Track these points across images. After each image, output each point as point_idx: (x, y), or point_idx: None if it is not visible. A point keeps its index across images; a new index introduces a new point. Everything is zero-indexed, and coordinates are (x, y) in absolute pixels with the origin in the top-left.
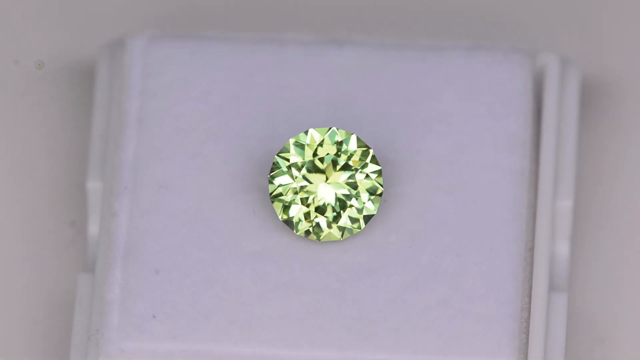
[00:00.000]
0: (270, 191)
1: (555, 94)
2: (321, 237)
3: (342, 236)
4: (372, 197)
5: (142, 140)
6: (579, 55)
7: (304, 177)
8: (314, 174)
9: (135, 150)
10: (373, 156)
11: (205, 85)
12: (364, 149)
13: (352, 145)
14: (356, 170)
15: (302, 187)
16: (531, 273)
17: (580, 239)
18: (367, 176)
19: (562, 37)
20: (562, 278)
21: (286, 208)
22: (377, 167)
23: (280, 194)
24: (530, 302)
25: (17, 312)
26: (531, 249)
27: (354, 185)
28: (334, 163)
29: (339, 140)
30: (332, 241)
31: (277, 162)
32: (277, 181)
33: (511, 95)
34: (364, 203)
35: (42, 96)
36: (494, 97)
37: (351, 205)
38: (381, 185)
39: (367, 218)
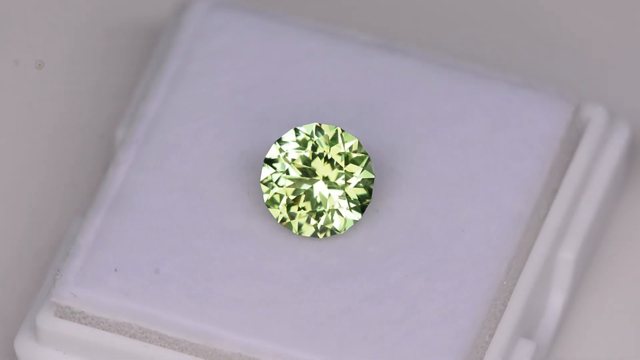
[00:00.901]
0: (262, 175)
1: (590, 147)
2: (300, 231)
3: (321, 235)
4: (360, 203)
5: (169, 99)
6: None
7: (298, 168)
8: (308, 167)
9: (158, 108)
10: (369, 164)
11: (248, 60)
12: (362, 155)
13: (352, 149)
14: (351, 174)
15: (293, 178)
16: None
17: (584, 293)
18: (359, 182)
19: (624, 93)
20: (548, 329)
21: (274, 195)
22: (370, 176)
23: (271, 180)
24: (489, 342)
25: (25, 246)
26: (511, 292)
27: (344, 188)
28: (330, 162)
29: (341, 141)
30: (311, 238)
31: (275, 148)
32: (271, 166)
33: (538, 138)
34: (350, 208)
35: (111, 53)
36: (520, 136)
37: (337, 207)
38: (370, 194)
39: (347, 224)
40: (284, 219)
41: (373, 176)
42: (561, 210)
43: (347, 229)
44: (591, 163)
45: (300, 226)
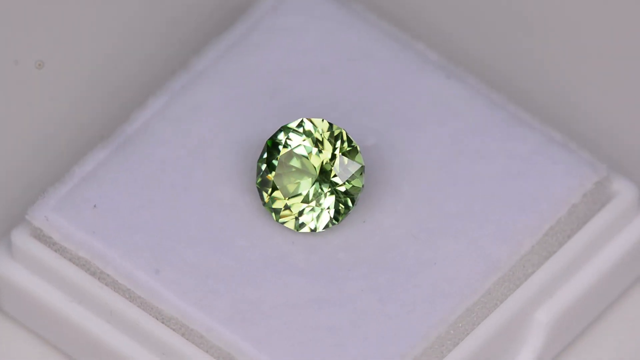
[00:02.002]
0: (261, 155)
1: (606, 221)
2: (280, 220)
3: (299, 229)
4: (343, 209)
5: (218, 61)
6: None
7: (296, 158)
8: (305, 159)
9: (206, 67)
10: (362, 174)
11: (307, 45)
12: (357, 163)
13: (350, 154)
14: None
15: (290, 166)
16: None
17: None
18: (348, 189)
19: None
20: None
21: (267, 177)
22: (359, 185)
23: (268, 163)
24: None
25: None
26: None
27: (332, 191)
28: (325, 160)
29: (344, 144)
30: (289, 229)
31: (282, 132)
32: (273, 148)
33: (548, 197)
34: (332, 211)
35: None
36: (532, 190)
37: (321, 207)
38: (354, 202)
39: (328, 225)
40: (268, 204)
41: (361, 186)
42: (550, 272)
43: (323, 230)
44: (605, 237)
45: (281, 215)
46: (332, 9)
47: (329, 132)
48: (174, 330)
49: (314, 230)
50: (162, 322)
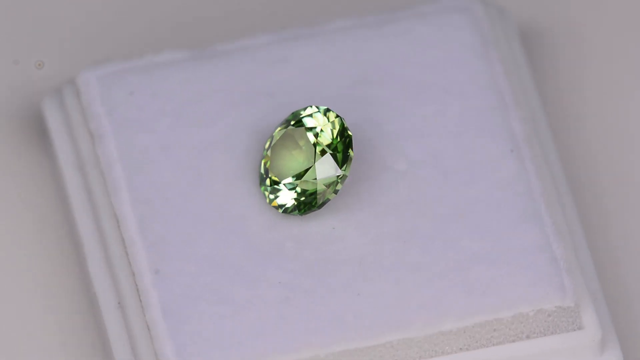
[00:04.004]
0: (281, 121)
1: (549, 345)
2: (262, 188)
3: (269, 202)
4: (308, 203)
5: (334, 34)
6: None
7: (303, 139)
8: (310, 144)
9: (319, 32)
10: (340, 182)
11: (422, 59)
12: (342, 171)
13: (341, 159)
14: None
15: (295, 140)
16: None
17: None
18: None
19: None
20: None
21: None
22: (331, 190)
23: (282, 129)
24: None
25: None
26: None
27: (309, 183)
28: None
29: (344, 148)
30: (271, 205)
31: (308, 108)
32: (296, 119)
33: (501, 296)
34: (300, 202)
35: None
36: (491, 282)
37: (292, 193)
38: (322, 203)
39: (288, 210)
40: (261, 168)
41: (332, 193)
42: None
43: (285, 214)
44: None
45: (264, 184)
46: (473, 39)
47: (337, 131)
48: (121, 241)
49: (283, 212)
50: (117, 227)
